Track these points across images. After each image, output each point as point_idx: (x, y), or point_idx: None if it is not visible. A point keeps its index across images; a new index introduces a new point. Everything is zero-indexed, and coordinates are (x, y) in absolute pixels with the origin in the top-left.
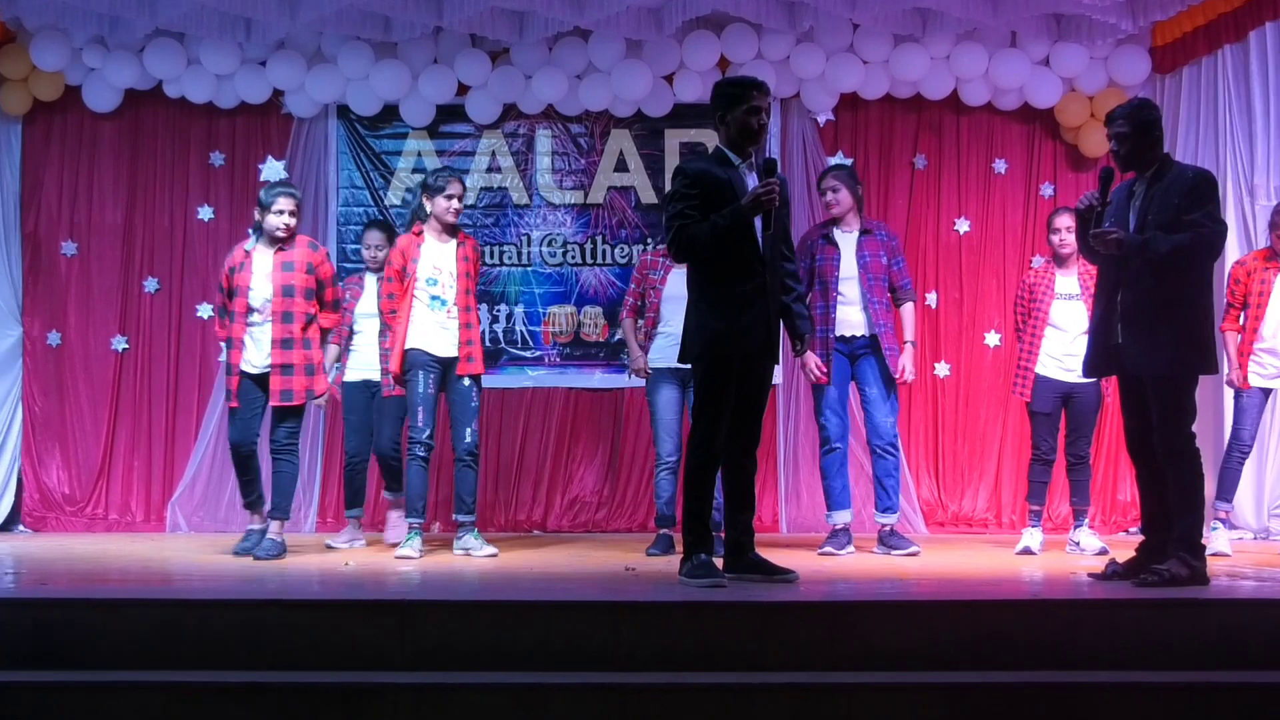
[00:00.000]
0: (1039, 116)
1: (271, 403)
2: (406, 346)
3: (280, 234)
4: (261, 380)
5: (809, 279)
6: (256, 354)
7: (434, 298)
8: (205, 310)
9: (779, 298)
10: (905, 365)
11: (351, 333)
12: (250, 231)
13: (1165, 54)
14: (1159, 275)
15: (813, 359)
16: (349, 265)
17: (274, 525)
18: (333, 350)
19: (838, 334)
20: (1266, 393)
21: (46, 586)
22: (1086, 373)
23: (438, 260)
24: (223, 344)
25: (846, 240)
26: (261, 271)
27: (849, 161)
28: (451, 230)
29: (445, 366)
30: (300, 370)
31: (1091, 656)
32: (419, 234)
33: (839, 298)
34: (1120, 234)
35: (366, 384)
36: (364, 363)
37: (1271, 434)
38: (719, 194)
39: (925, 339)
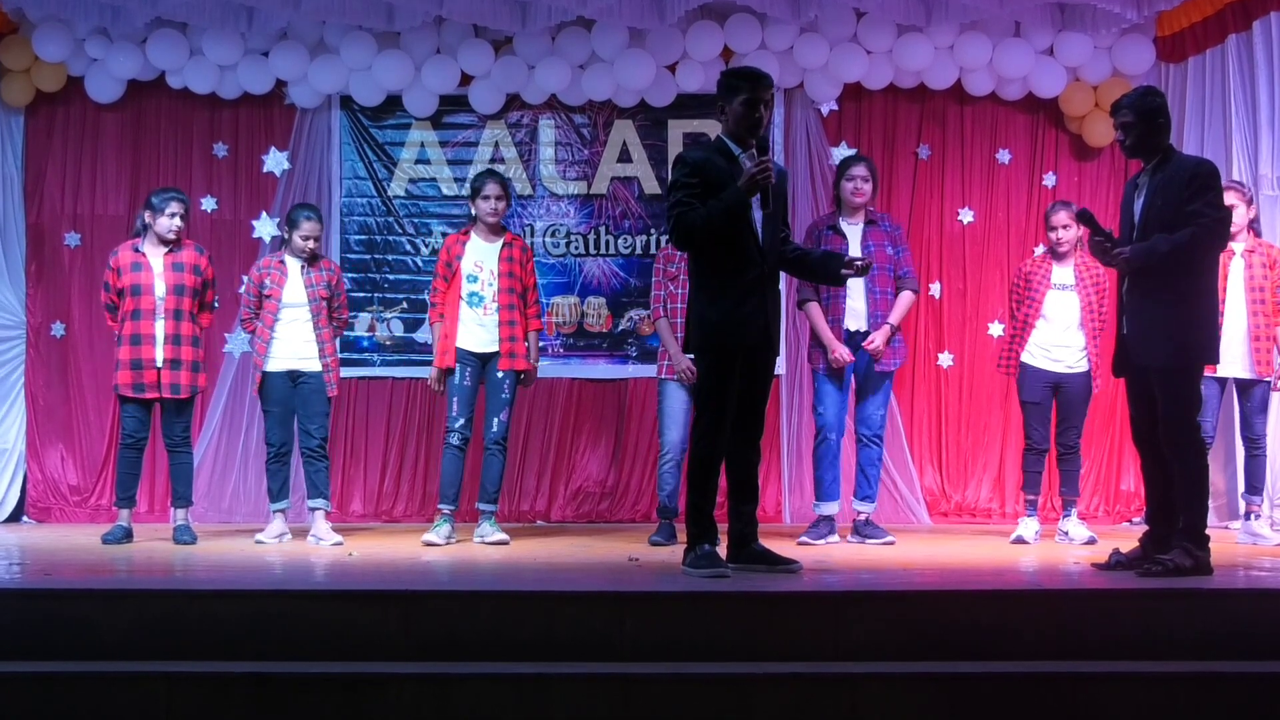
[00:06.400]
0: (1043, 106)
1: (162, 395)
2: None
3: (170, 237)
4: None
5: None
6: (148, 351)
7: (472, 294)
8: None
9: (778, 289)
10: (875, 337)
11: (274, 320)
12: (138, 232)
13: (1170, 43)
14: (1162, 268)
15: (841, 347)
16: (352, 256)
17: (180, 513)
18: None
19: (846, 324)
20: (1222, 382)
21: (51, 577)
22: (1115, 373)
23: (480, 258)
24: (117, 336)
25: (853, 231)
26: (155, 271)
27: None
28: (498, 230)
29: (485, 360)
30: (187, 366)
31: (1094, 647)
32: (466, 233)
33: (846, 288)
34: (1126, 254)
35: (290, 374)
36: (288, 352)
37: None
38: (719, 183)
39: (928, 329)
